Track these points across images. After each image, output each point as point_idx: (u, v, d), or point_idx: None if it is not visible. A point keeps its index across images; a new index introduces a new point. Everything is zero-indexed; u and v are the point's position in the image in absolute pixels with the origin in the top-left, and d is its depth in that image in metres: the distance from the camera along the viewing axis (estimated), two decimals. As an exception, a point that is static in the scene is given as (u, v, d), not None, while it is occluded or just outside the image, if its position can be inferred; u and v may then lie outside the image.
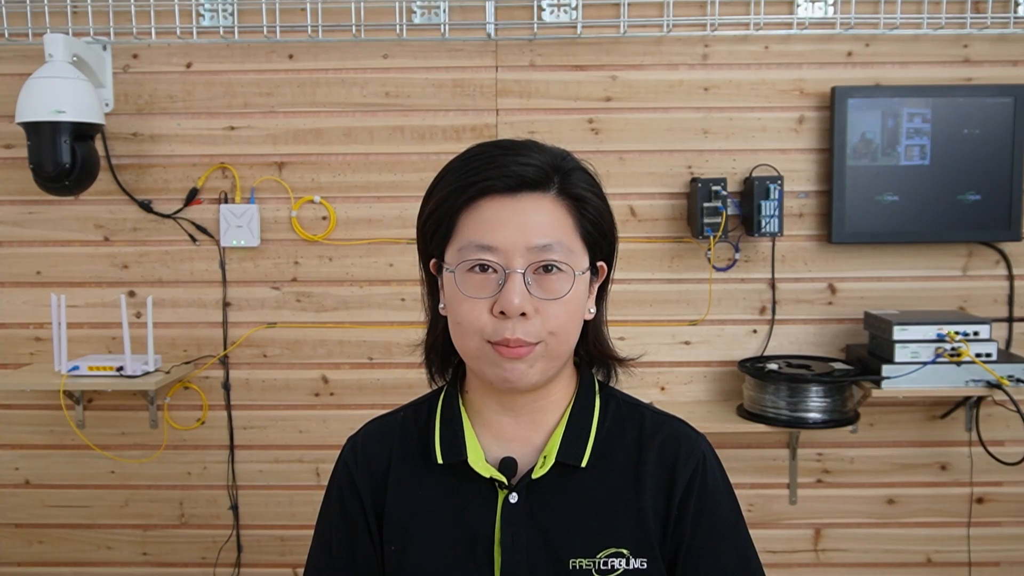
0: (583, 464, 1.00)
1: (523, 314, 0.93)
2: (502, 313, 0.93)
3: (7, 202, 2.53)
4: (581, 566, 0.97)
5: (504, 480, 1.00)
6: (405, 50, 2.47)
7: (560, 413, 1.04)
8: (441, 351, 1.07)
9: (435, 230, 0.99)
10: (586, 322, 1.03)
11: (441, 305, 1.02)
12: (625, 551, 0.98)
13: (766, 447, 2.55)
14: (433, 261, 1.02)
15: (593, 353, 1.07)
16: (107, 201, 2.52)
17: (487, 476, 1.00)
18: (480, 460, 1.01)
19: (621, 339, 1.01)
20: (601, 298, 1.06)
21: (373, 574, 1.05)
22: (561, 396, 1.04)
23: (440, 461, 1.02)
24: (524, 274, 0.94)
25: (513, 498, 0.99)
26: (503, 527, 0.98)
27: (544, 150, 0.99)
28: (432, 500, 1.02)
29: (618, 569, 0.97)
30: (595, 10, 2.43)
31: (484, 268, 0.95)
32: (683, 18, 2.42)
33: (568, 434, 1.01)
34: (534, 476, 0.99)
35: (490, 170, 0.96)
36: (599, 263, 1.02)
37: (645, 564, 0.98)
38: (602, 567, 0.97)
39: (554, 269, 0.95)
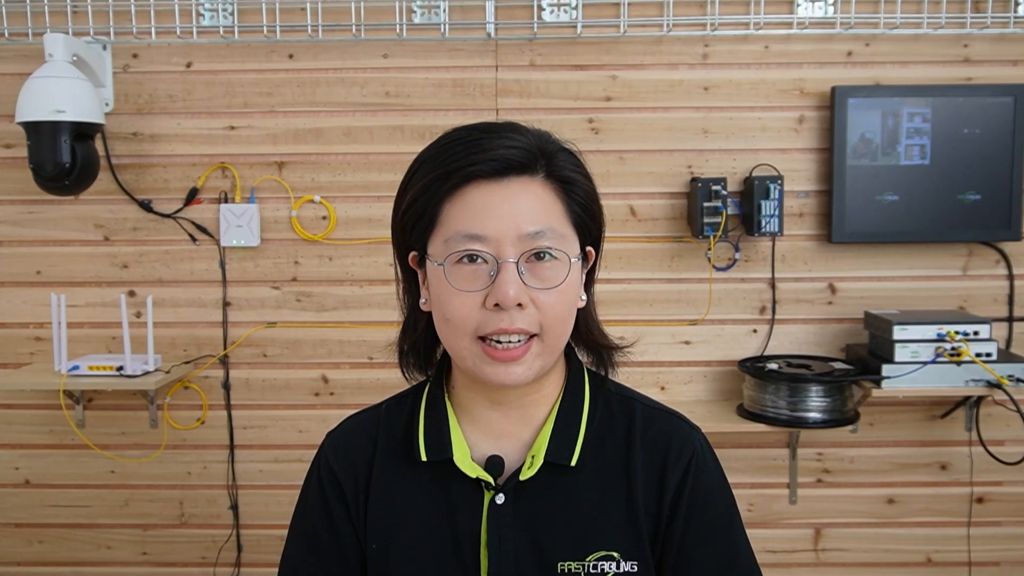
0: (572, 464, 0.96)
1: (519, 305, 0.89)
2: (496, 306, 0.89)
3: (7, 202, 2.53)
4: (570, 569, 0.94)
5: (490, 480, 0.96)
6: (405, 50, 2.47)
7: (550, 407, 1.00)
8: (423, 349, 1.03)
9: (416, 221, 0.94)
10: (577, 311, 0.98)
11: (423, 300, 0.97)
12: (615, 554, 0.95)
13: (766, 447, 2.55)
14: (413, 254, 0.97)
15: (586, 342, 1.03)
16: (107, 201, 2.52)
17: (473, 476, 0.96)
18: (466, 459, 0.97)
19: (621, 339, 1.01)
20: (589, 285, 1.02)
21: (363, 572, 1.02)
22: (552, 389, 1.01)
23: (424, 458, 0.98)
24: (517, 263, 0.89)
25: (500, 499, 0.96)
26: (489, 529, 0.95)
27: (526, 131, 0.94)
28: (416, 498, 0.98)
29: (608, 573, 0.94)
30: (595, 10, 2.43)
31: (473, 259, 0.90)
32: (683, 18, 2.42)
33: (557, 432, 0.98)
34: (522, 477, 0.96)
35: (474, 154, 0.90)
36: (587, 248, 0.98)
37: (635, 567, 0.95)
38: (591, 571, 0.94)
39: (547, 257, 0.91)
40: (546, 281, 0.91)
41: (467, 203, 0.91)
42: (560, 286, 0.91)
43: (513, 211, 0.90)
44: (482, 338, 0.91)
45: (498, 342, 0.91)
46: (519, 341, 0.91)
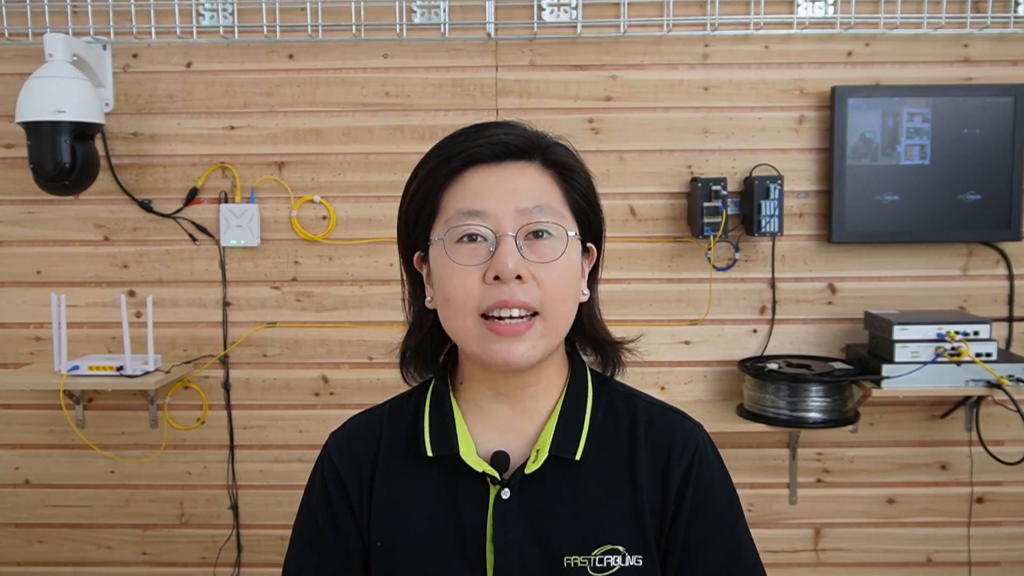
0: (577, 457, 0.97)
1: (519, 278, 0.91)
2: (496, 279, 0.91)
3: (7, 202, 2.53)
4: (576, 564, 0.95)
5: (496, 475, 0.97)
6: (405, 50, 2.47)
7: (553, 402, 1.01)
8: (429, 350, 1.04)
9: (419, 212, 0.97)
10: (580, 306, 1.00)
11: (428, 299, 0.99)
12: (621, 548, 0.95)
13: (766, 447, 2.55)
14: (418, 255, 0.99)
15: (590, 338, 1.05)
16: (107, 201, 2.52)
17: (479, 471, 0.97)
18: (472, 454, 0.98)
19: (622, 338, 1.02)
20: (593, 282, 1.04)
21: (366, 570, 1.02)
22: (554, 382, 1.02)
23: (430, 454, 0.99)
24: (515, 238, 0.91)
25: (505, 494, 0.96)
26: (495, 524, 0.96)
27: (524, 127, 0.99)
28: (421, 494, 0.99)
29: (614, 567, 0.95)
30: (595, 10, 2.43)
31: (473, 238, 0.92)
32: (683, 18, 2.42)
33: (561, 426, 0.99)
34: (527, 471, 0.97)
35: (473, 140, 0.95)
36: (589, 244, 1.00)
37: (641, 561, 0.96)
38: (597, 564, 0.95)
39: (545, 234, 0.93)
40: (544, 256, 0.93)
41: (466, 186, 0.94)
42: (558, 261, 0.93)
43: (512, 188, 0.93)
44: (485, 316, 0.92)
45: (499, 318, 0.92)
46: (521, 317, 0.92)
